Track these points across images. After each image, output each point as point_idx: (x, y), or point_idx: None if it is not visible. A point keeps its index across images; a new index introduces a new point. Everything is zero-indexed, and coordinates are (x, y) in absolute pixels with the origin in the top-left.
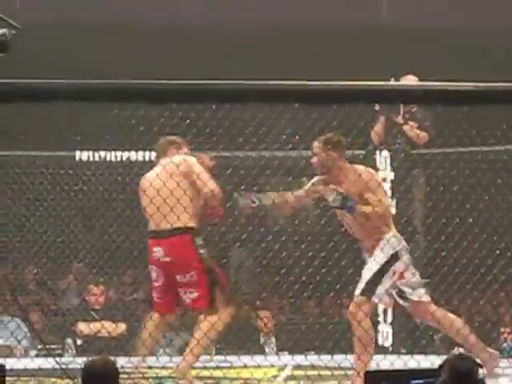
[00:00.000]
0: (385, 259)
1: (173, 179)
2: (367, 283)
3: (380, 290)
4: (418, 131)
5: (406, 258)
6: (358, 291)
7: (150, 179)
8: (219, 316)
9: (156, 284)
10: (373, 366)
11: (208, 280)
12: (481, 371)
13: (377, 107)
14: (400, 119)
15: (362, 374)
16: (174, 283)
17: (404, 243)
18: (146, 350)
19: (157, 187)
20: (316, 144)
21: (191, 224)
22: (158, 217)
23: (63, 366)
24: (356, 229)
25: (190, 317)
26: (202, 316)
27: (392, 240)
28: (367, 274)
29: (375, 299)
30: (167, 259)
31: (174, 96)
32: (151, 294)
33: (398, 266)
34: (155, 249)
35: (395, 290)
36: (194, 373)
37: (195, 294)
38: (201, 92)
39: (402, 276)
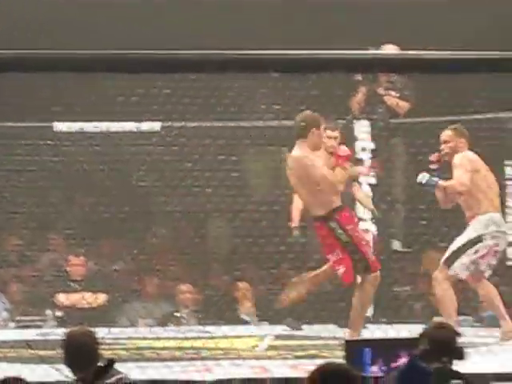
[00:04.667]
0: (471, 237)
1: None
2: (450, 254)
3: (457, 263)
4: (397, 100)
5: (491, 242)
6: (443, 258)
7: None
8: (364, 285)
9: None
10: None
11: (349, 256)
12: (459, 339)
13: (359, 77)
14: (382, 90)
15: None
16: None
17: (497, 228)
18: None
19: None
20: (446, 132)
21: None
22: None
23: (43, 338)
24: (461, 201)
25: (169, 288)
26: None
27: (484, 221)
28: (454, 245)
29: (451, 272)
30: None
31: (150, 66)
32: None
33: (480, 246)
34: None
35: (476, 266)
36: (174, 343)
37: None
38: (179, 61)
39: (484, 257)
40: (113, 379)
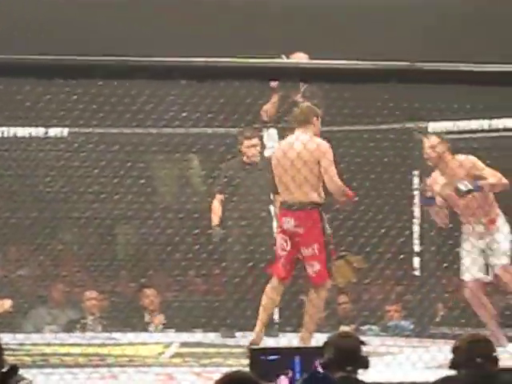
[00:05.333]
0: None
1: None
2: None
3: None
4: None
5: None
6: (504, 261)
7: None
8: (319, 291)
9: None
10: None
11: (325, 255)
12: (364, 348)
13: (273, 84)
14: (300, 97)
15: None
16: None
17: None
18: (267, 316)
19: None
20: (433, 138)
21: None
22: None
23: None
24: (470, 211)
25: (76, 294)
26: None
27: (503, 220)
28: (505, 245)
29: None
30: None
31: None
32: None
33: None
34: (286, 219)
35: None
36: (79, 349)
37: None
38: (87, 68)
39: None
40: None
